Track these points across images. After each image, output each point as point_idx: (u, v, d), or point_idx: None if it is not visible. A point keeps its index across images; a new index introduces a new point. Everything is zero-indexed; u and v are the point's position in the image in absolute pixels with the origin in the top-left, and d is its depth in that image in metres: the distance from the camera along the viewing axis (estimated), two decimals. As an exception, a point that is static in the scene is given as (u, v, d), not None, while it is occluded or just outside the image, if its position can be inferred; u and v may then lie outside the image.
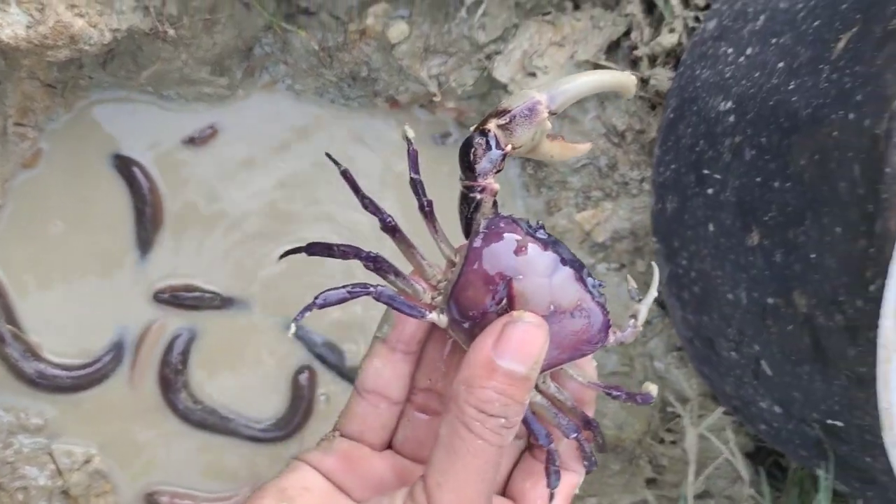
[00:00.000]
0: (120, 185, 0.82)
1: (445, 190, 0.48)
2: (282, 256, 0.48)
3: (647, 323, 0.82)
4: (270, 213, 0.85)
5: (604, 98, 0.80)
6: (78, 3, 0.67)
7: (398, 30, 0.77)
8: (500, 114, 0.45)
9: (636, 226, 0.81)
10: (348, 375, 0.85)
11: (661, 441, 0.82)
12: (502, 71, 0.78)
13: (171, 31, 0.71)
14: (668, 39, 0.74)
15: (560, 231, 0.84)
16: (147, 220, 0.82)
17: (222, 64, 0.80)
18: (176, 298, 0.83)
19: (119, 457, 0.82)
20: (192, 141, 0.84)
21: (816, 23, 0.56)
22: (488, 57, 0.80)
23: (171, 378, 0.82)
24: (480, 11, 0.77)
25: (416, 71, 0.80)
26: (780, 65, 0.57)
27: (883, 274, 0.45)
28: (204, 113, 0.83)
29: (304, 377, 0.84)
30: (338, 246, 0.47)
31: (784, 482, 0.78)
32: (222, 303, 0.83)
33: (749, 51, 0.62)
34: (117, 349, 0.82)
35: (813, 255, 0.52)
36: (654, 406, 0.81)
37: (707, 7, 0.73)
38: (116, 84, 0.80)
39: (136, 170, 0.82)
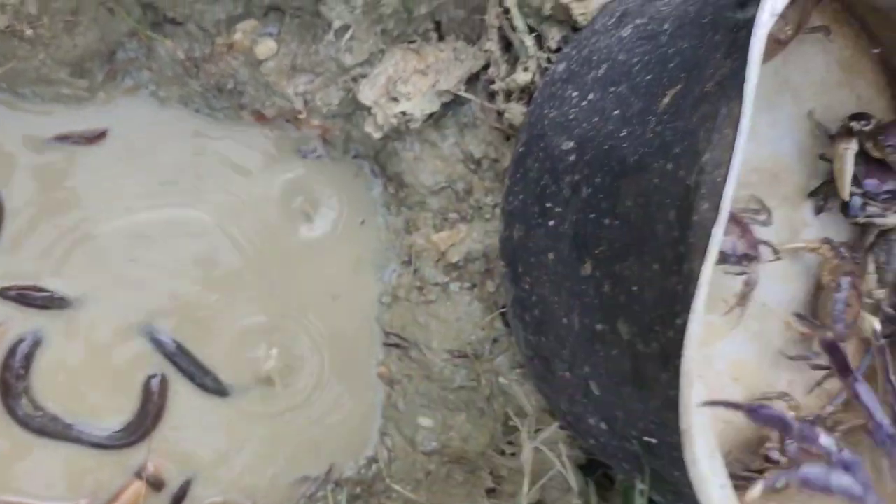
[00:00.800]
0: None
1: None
2: None
3: (495, 341, 0.86)
4: (126, 215, 0.84)
5: (462, 126, 0.84)
6: (-72, -4, 0.64)
7: (266, 47, 0.78)
8: None
9: (488, 248, 0.85)
10: (201, 382, 0.84)
11: (503, 453, 0.86)
12: (367, 94, 0.80)
13: (29, 31, 0.70)
14: (522, 77, 0.79)
15: (418, 250, 0.87)
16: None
17: (83, 66, 0.79)
18: (23, 297, 0.81)
19: (-49, 464, 0.78)
20: (63, 139, 0.82)
21: (648, 77, 0.62)
22: (354, 79, 0.82)
23: (12, 383, 0.79)
24: (348, 35, 0.79)
25: (283, 88, 0.81)
26: (616, 112, 0.63)
27: (688, 310, 0.51)
28: (62, 113, 0.81)
29: (155, 382, 0.83)
30: None
31: (612, 492, 0.84)
32: (72, 304, 0.82)
33: (591, 96, 0.67)
34: (-46, 352, 0.79)
35: (635, 288, 0.57)
36: (496, 420, 0.85)
37: (559, 50, 0.78)
38: (-33, 78, 0.78)
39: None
